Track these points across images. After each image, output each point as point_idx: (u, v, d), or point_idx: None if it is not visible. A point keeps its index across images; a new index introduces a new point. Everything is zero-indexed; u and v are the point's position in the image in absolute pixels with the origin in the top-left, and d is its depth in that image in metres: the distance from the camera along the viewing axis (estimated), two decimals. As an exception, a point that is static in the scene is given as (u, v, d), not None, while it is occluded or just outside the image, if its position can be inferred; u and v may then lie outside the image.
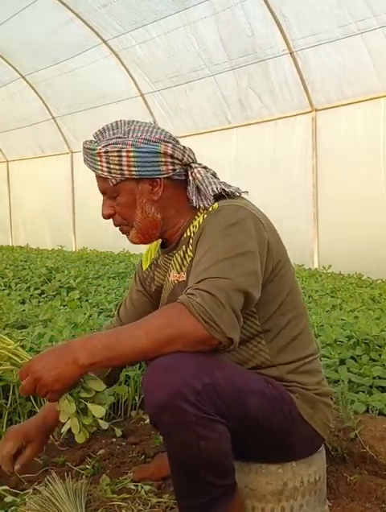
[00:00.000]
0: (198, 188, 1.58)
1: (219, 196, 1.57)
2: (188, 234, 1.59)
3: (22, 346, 2.29)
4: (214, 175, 1.63)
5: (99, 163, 1.54)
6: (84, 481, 1.78)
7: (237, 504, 1.48)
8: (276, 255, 1.52)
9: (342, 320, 3.37)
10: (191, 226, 1.59)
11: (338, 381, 2.35)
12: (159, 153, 1.52)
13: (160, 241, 1.75)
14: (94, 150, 1.54)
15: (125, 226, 1.63)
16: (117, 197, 1.58)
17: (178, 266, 1.61)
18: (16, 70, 9.99)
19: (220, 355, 1.49)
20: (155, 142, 1.53)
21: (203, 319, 1.28)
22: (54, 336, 2.46)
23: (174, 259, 1.64)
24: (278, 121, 7.16)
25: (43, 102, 10.39)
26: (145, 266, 1.82)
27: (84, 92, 9.53)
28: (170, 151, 1.53)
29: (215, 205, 1.54)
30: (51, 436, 2.18)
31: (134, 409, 2.50)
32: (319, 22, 6.15)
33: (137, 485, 1.80)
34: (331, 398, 1.66)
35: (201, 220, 1.54)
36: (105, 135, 1.56)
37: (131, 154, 1.51)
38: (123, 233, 1.65)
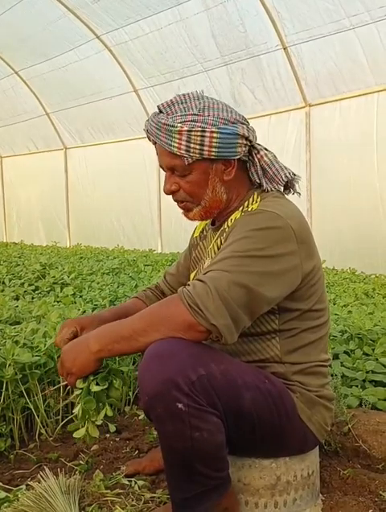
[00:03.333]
0: (264, 170, 1.59)
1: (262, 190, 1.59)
2: (227, 225, 1.60)
3: (16, 342, 2.29)
4: (275, 157, 1.62)
5: (177, 141, 1.49)
6: (77, 476, 1.78)
7: (230, 497, 1.48)
8: (305, 267, 1.49)
9: (336, 314, 3.38)
10: (229, 220, 1.60)
11: (332, 375, 2.35)
12: (238, 135, 1.52)
13: None
14: (174, 126, 1.49)
15: (188, 203, 1.60)
16: (189, 175, 1.55)
17: (213, 255, 1.64)
18: (9, 65, 9.94)
19: (218, 347, 1.49)
20: (234, 123, 1.52)
21: (189, 304, 1.33)
22: (47, 332, 2.45)
23: (214, 247, 1.65)
24: (272, 117, 7.16)
25: (37, 98, 10.35)
26: (196, 234, 1.86)
27: (77, 88, 9.49)
28: (246, 133, 1.53)
29: (255, 205, 1.54)
30: (44, 432, 2.18)
31: (128, 404, 2.50)
32: (313, 17, 6.13)
33: (130, 481, 1.80)
34: (333, 404, 1.66)
35: (238, 216, 1.56)
36: (176, 109, 1.52)
37: (215, 135, 1.49)
38: (185, 209, 1.63)
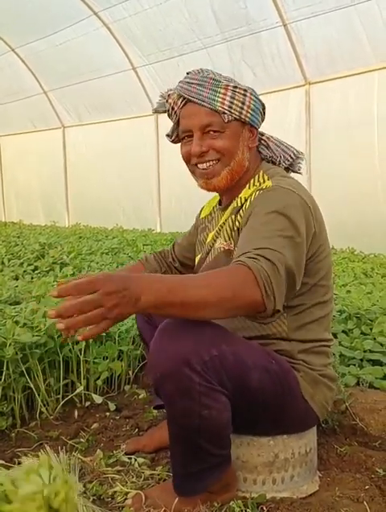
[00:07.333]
0: (274, 148, 1.69)
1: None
2: (237, 204, 1.62)
3: (16, 322, 2.30)
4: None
5: (221, 95, 1.55)
6: (77, 454, 1.80)
7: (230, 473, 1.52)
8: (317, 241, 1.52)
9: (335, 294, 3.39)
10: (239, 197, 1.62)
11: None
12: (263, 107, 1.66)
13: (218, 197, 1.81)
14: (219, 81, 1.56)
15: (217, 166, 1.61)
16: (223, 134, 1.58)
17: (226, 235, 1.64)
18: (6, 43, 9.81)
19: (223, 322, 1.47)
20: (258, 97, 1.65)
21: (266, 288, 1.25)
22: (47, 312, 2.45)
23: (225, 226, 1.66)
24: (271, 95, 7.08)
25: (34, 76, 10.23)
26: (203, 215, 1.89)
27: (75, 66, 9.37)
28: (264, 111, 1.67)
29: (268, 183, 1.55)
30: (45, 410, 2.20)
31: (128, 383, 2.52)
32: (314, -7, 6.04)
33: (130, 458, 1.82)
34: (335, 385, 1.68)
35: (251, 194, 1.56)
36: (210, 75, 1.58)
37: (253, 98, 1.60)
38: (210, 175, 1.62)
